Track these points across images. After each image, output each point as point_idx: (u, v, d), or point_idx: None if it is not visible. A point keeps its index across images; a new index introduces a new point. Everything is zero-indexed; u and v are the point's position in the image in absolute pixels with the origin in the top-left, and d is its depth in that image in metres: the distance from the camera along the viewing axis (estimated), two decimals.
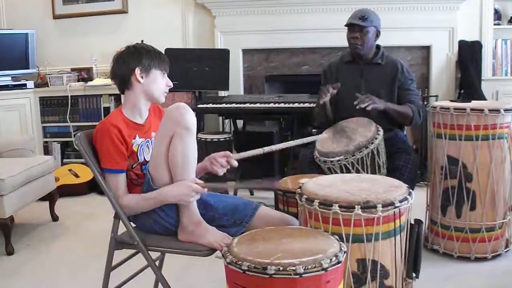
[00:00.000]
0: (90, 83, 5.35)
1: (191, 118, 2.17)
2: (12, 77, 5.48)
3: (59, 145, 5.52)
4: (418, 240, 2.21)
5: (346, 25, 3.52)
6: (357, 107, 3.24)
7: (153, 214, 2.27)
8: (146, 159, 2.37)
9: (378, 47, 3.59)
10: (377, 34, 3.53)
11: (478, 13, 5.13)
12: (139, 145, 2.35)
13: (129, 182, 2.35)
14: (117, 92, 2.52)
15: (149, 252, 2.31)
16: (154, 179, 2.23)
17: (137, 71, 2.34)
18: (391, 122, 3.42)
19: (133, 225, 2.35)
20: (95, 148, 2.32)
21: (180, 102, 2.21)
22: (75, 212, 4.54)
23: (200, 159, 2.36)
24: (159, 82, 2.38)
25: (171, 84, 2.44)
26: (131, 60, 2.36)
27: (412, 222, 2.21)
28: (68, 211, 4.52)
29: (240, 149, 4.64)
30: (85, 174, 5.05)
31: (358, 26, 3.46)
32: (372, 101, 3.26)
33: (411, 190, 2.15)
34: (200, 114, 4.66)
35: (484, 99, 4.92)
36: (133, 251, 2.45)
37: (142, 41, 5.32)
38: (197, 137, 2.31)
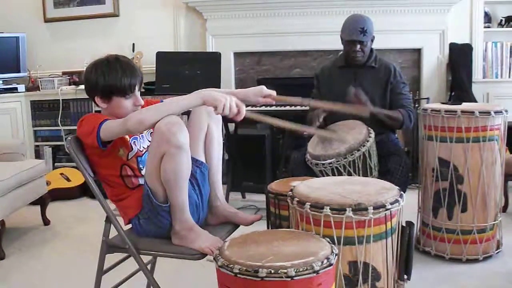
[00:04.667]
0: (81, 86, 5.32)
1: (183, 136, 2.12)
2: (3, 81, 5.46)
3: (50, 149, 5.50)
4: (409, 242, 2.22)
5: (347, 40, 3.49)
6: (351, 91, 3.24)
7: (159, 218, 2.25)
8: (140, 149, 2.38)
9: (371, 50, 3.59)
10: (372, 40, 3.54)
11: (468, 16, 5.16)
12: (129, 138, 2.36)
13: (123, 185, 2.35)
14: None
15: (141, 255, 2.30)
16: (153, 192, 2.22)
17: (97, 99, 2.34)
18: (381, 126, 3.43)
19: (125, 228, 2.34)
20: (82, 138, 2.29)
21: (171, 117, 2.13)
22: (66, 216, 4.52)
23: None
24: (123, 106, 2.32)
25: (141, 102, 2.37)
26: (90, 88, 2.35)
27: (404, 224, 2.22)
28: (59, 215, 4.50)
29: (232, 152, 4.64)
30: (77, 178, 5.03)
31: (359, 41, 3.45)
32: (365, 98, 3.27)
33: (402, 192, 2.16)
34: None
35: (475, 101, 4.94)
36: (125, 254, 2.44)
37: (133, 44, 5.38)
38: None
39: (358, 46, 3.46)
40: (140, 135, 2.44)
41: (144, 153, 2.40)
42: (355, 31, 3.44)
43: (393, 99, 3.52)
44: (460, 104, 3.38)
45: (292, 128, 2.31)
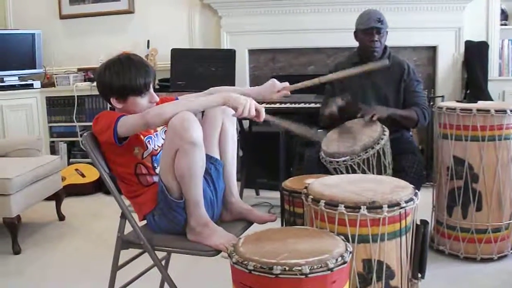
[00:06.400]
0: None
1: (196, 132, 2.12)
2: (19, 77, 5.50)
3: (65, 145, 5.54)
4: (424, 241, 2.21)
5: (365, 29, 3.48)
6: (363, 119, 3.24)
7: (173, 214, 2.26)
8: (154, 148, 2.39)
9: (385, 47, 3.58)
10: (386, 36, 3.54)
11: (484, 13, 5.11)
12: (144, 136, 2.37)
13: (138, 182, 2.36)
14: None
15: (155, 251, 2.31)
16: (168, 188, 2.24)
17: (113, 101, 2.34)
18: (396, 125, 3.41)
19: (140, 224, 2.36)
20: (98, 135, 2.31)
21: (184, 113, 2.14)
22: (81, 212, 4.56)
23: None
24: (139, 104, 2.32)
25: (156, 99, 2.38)
26: (104, 89, 2.35)
27: (418, 222, 2.21)
28: (74, 211, 4.54)
29: (246, 149, 4.65)
30: (91, 173, 5.06)
31: (377, 29, 3.44)
32: (376, 111, 3.25)
33: (417, 191, 2.15)
34: None
35: (491, 99, 4.91)
36: (139, 250, 2.46)
37: (148, 41, 5.40)
38: None
39: (376, 36, 3.45)
40: (155, 133, 2.44)
41: (159, 151, 2.40)
42: (373, 20, 3.44)
43: (407, 97, 3.51)
44: (476, 102, 3.36)
45: (306, 134, 2.34)
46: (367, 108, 3.27)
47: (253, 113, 2.23)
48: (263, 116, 2.28)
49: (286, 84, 2.56)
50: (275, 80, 2.56)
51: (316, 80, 2.59)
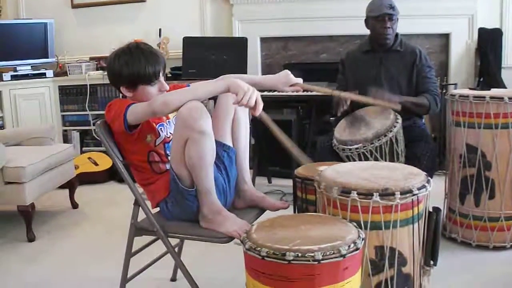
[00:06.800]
0: None
1: (205, 121, 2.13)
2: (31, 66, 5.53)
3: (78, 133, 5.58)
4: (436, 228, 2.21)
5: (376, 16, 3.46)
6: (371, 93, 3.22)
7: (186, 202, 2.28)
8: (167, 135, 2.40)
9: (396, 34, 3.57)
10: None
11: (498, 0, 5.06)
12: (156, 124, 2.38)
13: (151, 170, 2.37)
14: None
15: (169, 238, 2.33)
16: (179, 177, 2.25)
17: (123, 89, 2.36)
18: (408, 112, 3.40)
19: (154, 211, 2.37)
20: (110, 123, 2.33)
21: (192, 102, 2.14)
22: (94, 200, 4.59)
23: None
24: (149, 93, 2.33)
25: (166, 87, 2.38)
26: (114, 78, 2.37)
27: (431, 210, 2.21)
28: (87, 199, 4.57)
29: (258, 137, 4.65)
30: (104, 162, 5.08)
31: (389, 16, 3.43)
32: (387, 96, 3.24)
33: (429, 178, 2.15)
34: None
35: (504, 87, 4.86)
36: (153, 237, 2.47)
37: (160, 29, 5.40)
38: None
39: (388, 23, 3.43)
40: (167, 120, 2.45)
41: (171, 139, 2.41)
42: (384, 6, 3.43)
43: (418, 82, 3.49)
44: (489, 90, 3.34)
45: (294, 154, 2.34)
46: (376, 91, 3.24)
47: (252, 103, 2.18)
48: (259, 111, 2.23)
49: (300, 80, 2.53)
50: (288, 72, 2.52)
51: (329, 91, 2.53)
